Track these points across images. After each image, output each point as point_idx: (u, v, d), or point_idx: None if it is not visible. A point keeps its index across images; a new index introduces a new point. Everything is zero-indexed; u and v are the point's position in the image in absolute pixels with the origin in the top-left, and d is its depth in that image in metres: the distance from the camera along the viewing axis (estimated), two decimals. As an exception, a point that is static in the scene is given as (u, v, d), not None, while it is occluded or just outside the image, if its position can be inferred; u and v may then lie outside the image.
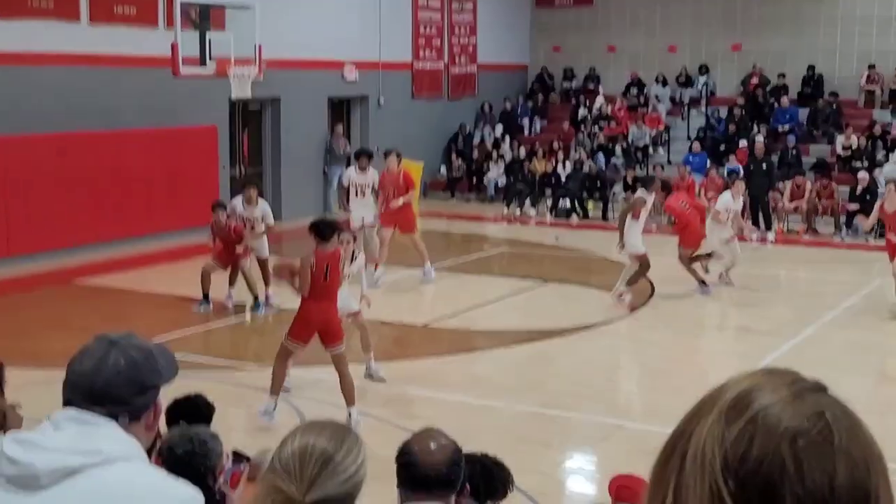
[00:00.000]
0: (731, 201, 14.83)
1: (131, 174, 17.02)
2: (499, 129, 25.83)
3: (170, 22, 15.81)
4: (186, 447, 4.14)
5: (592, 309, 13.65)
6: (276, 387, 8.88)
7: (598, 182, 22.06)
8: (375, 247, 14.94)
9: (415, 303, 14.36)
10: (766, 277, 16.42)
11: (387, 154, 15.33)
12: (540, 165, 23.37)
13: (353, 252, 10.05)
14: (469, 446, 3.74)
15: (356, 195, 14.99)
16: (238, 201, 13.53)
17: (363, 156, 15.22)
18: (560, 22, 27.75)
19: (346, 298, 9.79)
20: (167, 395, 2.66)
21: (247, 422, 9.23)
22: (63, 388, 2.34)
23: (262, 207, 13.41)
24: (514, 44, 27.68)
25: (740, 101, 24.38)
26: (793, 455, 1.18)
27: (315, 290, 8.74)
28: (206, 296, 13.16)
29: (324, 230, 8.82)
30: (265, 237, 13.39)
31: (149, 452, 2.40)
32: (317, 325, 8.86)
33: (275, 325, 12.69)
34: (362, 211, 14.99)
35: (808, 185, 20.10)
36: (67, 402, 2.32)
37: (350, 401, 8.84)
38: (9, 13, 15.45)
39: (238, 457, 3.77)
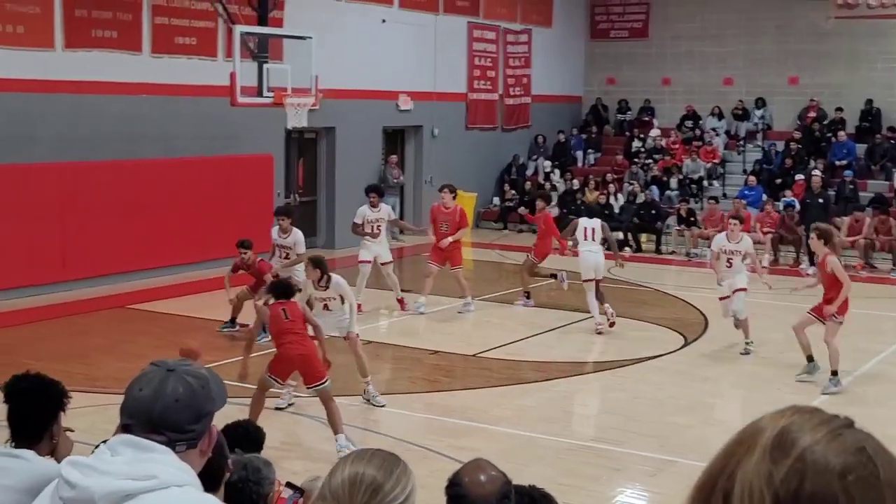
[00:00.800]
0: (726, 241, 13.05)
1: (188, 201, 17.28)
2: (551, 160, 25.85)
3: (229, 53, 16.09)
4: (240, 474, 4.19)
5: (644, 342, 13.56)
6: (254, 415, 8.82)
7: (653, 211, 21.98)
8: (394, 284, 15.08)
9: (465, 333, 14.38)
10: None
11: (441, 189, 15.41)
12: (592, 197, 23.33)
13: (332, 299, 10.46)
14: (518, 479, 3.75)
15: (371, 232, 14.96)
16: (275, 231, 13.77)
17: (374, 192, 15.26)
18: (615, 54, 27.77)
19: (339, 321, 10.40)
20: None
21: (289, 450, 9.28)
22: (121, 413, 2.39)
23: (295, 236, 13.62)
24: (569, 76, 27.74)
25: (797, 134, 24.18)
26: (844, 490, 1.23)
27: (280, 332, 9.19)
28: (233, 319, 13.64)
29: (280, 291, 9.53)
30: (299, 265, 13.55)
31: (202, 477, 2.44)
32: (297, 362, 9.19)
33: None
34: (377, 248, 15.03)
35: (867, 221, 19.85)
36: (125, 428, 2.37)
37: (336, 430, 8.99)
38: (74, 44, 15.82)
39: (293, 487, 3.81)
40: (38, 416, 3.93)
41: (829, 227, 11.97)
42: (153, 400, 2.36)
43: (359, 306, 12.64)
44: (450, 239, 14.95)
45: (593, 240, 14.21)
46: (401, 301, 15.13)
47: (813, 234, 11.55)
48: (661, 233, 21.73)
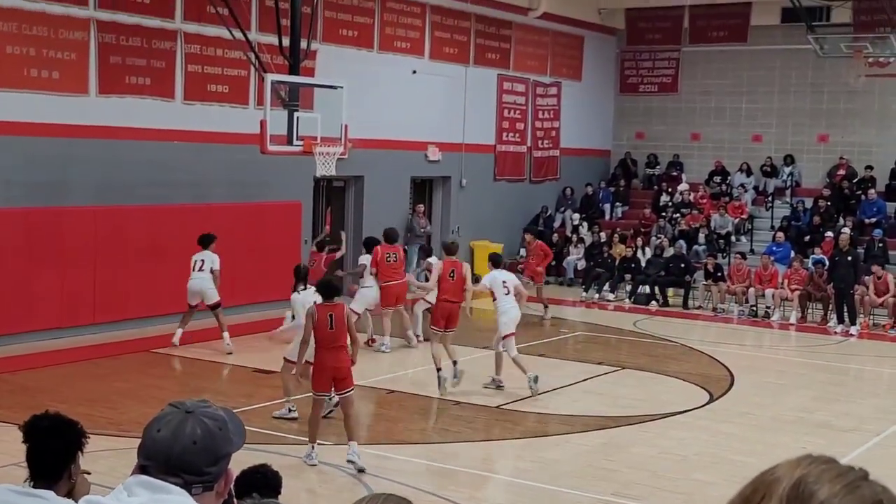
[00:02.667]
0: (498, 277, 13.42)
1: (217, 247, 17.37)
2: (579, 213, 25.86)
3: (260, 101, 16.27)
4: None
5: (669, 397, 13.45)
6: (313, 435, 9.99)
7: (682, 265, 21.91)
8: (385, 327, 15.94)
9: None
10: (849, 372, 16.05)
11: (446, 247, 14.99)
12: (619, 250, 23.29)
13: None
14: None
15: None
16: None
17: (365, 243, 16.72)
18: (644, 109, 27.87)
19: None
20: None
21: (306, 497, 9.24)
22: (138, 453, 2.40)
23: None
24: (598, 129, 27.83)
25: (826, 192, 24.10)
26: None
27: (322, 339, 9.86)
28: None
29: (325, 289, 10.18)
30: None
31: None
32: (330, 373, 9.89)
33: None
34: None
35: (891, 279, 19.66)
36: (143, 469, 2.36)
37: (351, 436, 9.83)
38: (108, 90, 16.06)
39: None
40: (57, 456, 3.94)
41: None
42: (171, 442, 2.36)
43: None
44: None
45: (509, 293, 13.44)
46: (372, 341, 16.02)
47: None
48: (688, 287, 21.63)
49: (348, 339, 9.96)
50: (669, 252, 22.65)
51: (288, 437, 10.85)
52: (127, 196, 16.30)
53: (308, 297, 11.25)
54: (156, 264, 16.45)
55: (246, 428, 2.58)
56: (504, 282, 13.48)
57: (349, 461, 9.79)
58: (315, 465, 9.92)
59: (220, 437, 2.42)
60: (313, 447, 9.96)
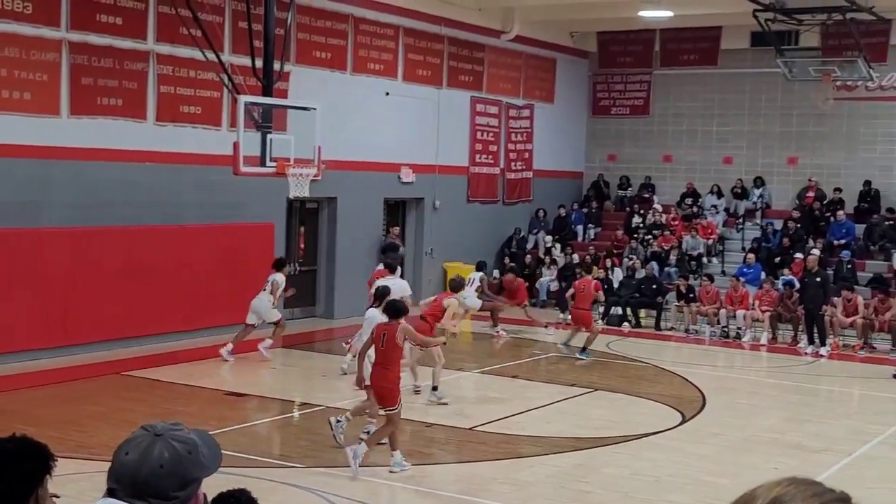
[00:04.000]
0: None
1: (190, 268, 17.32)
2: (552, 234, 25.95)
3: (233, 122, 16.26)
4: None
5: (642, 419, 13.49)
6: (394, 443, 10.44)
7: (653, 286, 22.01)
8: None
9: (462, 406, 14.30)
10: (820, 393, 16.16)
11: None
12: (595, 274, 23.34)
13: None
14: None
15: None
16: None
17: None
18: (616, 131, 28.06)
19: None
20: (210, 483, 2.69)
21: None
22: (108, 477, 2.39)
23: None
24: (570, 151, 27.99)
25: (795, 214, 24.33)
26: None
27: (375, 356, 10.41)
28: None
29: (388, 309, 10.72)
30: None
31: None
32: (376, 390, 10.38)
33: (314, 422, 12.73)
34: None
35: (860, 300, 19.84)
36: (110, 492, 2.36)
37: (394, 446, 10.35)
38: (80, 111, 16.00)
39: None
40: (24, 479, 3.90)
41: None
42: (139, 465, 2.36)
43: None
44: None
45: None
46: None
47: None
48: (660, 308, 21.73)
49: (400, 357, 10.59)
50: (641, 273, 22.76)
51: (265, 461, 10.79)
52: (99, 217, 16.22)
53: (377, 314, 11.82)
54: (129, 285, 16.36)
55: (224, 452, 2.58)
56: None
57: (391, 471, 10.35)
58: (406, 470, 10.42)
59: (189, 460, 2.41)
60: (397, 453, 10.45)
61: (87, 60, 16.04)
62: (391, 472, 10.35)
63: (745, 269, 22.23)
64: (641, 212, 26.01)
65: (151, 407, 12.87)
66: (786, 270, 22.02)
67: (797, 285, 20.33)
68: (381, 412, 10.77)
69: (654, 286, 22.07)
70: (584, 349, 17.62)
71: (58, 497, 4.13)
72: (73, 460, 9.43)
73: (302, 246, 21.07)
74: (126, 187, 16.60)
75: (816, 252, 21.70)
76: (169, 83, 17.33)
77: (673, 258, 24.02)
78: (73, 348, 15.68)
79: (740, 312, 20.57)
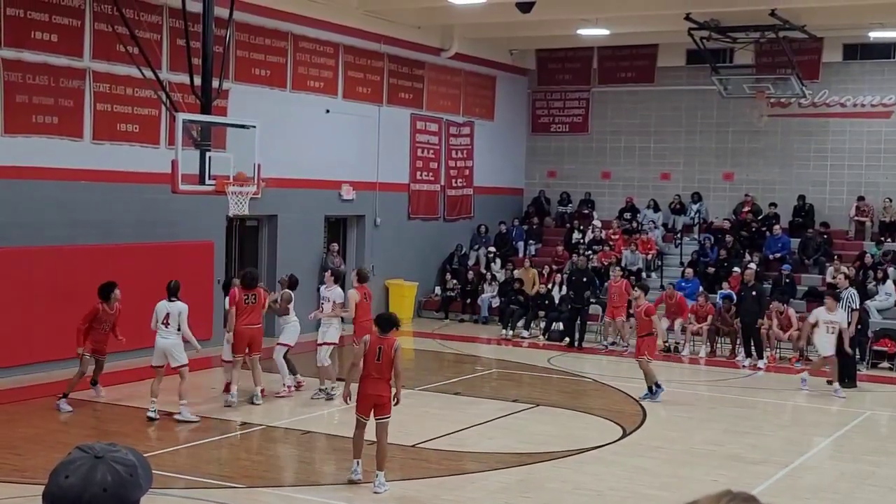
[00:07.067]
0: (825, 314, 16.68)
1: (127, 288, 17.04)
2: (493, 250, 26.04)
3: (171, 140, 16.11)
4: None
5: (584, 433, 13.56)
6: (356, 452, 10.71)
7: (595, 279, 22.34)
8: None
9: (404, 423, 14.26)
10: (757, 405, 16.37)
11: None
12: (531, 275, 23.54)
13: None
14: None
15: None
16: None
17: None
18: (556, 148, 28.29)
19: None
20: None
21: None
22: (43, 501, 2.34)
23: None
24: (510, 168, 28.15)
25: (729, 226, 24.71)
26: None
27: (368, 367, 10.50)
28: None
29: (382, 322, 10.71)
30: None
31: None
32: (373, 399, 10.47)
33: (261, 442, 12.62)
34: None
35: (792, 313, 20.13)
36: (48, 517, 2.31)
37: (380, 466, 10.41)
38: (14, 129, 15.75)
39: None
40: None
41: None
42: (80, 490, 2.31)
43: None
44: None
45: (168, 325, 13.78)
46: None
47: None
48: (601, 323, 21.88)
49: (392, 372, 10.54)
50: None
51: (207, 482, 10.66)
52: (33, 237, 15.95)
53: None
54: (62, 306, 16.08)
55: (160, 473, 2.54)
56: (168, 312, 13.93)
57: (375, 492, 10.29)
58: (359, 481, 10.56)
59: (131, 483, 2.38)
60: (357, 463, 10.70)
61: (22, 78, 15.81)
62: (375, 492, 10.33)
63: (683, 283, 22.49)
64: (581, 227, 26.23)
65: (88, 428, 12.67)
66: (724, 284, 22.32)
67: (735, 299, 20.60)
68: (376, 420, 10.74)
69: (596, 278, 22.33)
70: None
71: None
72: (8, 484, 9.24)
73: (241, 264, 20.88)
74: (60, 206, 16.35)
75: (753, 266, 22.04)
76: (106, 101, 17.13)
77: (612, 273, 24.17)
78: (4, 371, 15.37)
79: (678, 322, 20.74)
